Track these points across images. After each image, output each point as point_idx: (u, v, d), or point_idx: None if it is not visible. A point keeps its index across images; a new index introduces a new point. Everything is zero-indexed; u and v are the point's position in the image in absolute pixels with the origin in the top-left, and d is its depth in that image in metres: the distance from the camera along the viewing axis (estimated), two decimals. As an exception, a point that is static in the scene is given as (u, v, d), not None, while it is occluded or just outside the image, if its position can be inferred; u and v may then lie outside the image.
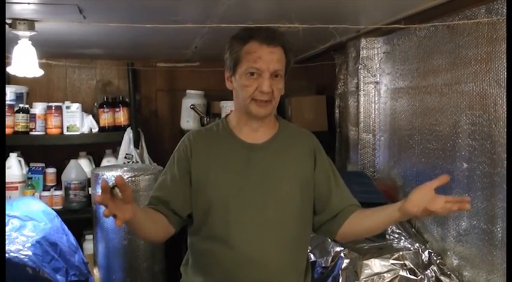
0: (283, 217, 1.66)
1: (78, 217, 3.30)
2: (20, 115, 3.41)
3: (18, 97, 3.56)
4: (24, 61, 2.39)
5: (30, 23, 2.31)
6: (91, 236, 3.18)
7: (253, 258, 1.62)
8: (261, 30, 1.61)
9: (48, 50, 3.28)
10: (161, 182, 1.74)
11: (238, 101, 1.66)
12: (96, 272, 2.97)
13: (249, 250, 1.61)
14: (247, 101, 1.61)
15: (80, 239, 3.38)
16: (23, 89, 3.61)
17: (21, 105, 3.46)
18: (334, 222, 1.74)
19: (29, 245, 2.31)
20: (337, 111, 3.44)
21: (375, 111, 2.95)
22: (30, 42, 2.41)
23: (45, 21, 2.31)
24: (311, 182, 1.73)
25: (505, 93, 1.90)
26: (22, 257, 2.22)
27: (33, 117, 3.45)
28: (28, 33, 2.35)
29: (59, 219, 2.75)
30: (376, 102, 2.94)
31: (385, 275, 2.21)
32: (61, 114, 3.48)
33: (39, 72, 2.56)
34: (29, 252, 2.26)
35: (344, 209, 1.74)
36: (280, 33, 1.64)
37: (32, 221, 2.53)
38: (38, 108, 3.48)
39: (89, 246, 3.30)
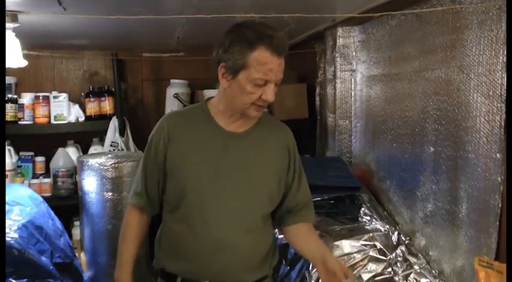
0: (254, 205, 1.72)
1: (67, 204, 3.37)
2: (9, 105, 3.48)
3: (7, 88, 3.62)
4: (9, 52, 2.46)
5: (13, 15, 2.38)
6: (79, 222, 3.26)
7: (223, 243, 1.67)
8: (271, 37, 1.54)
9: (35, 41, 3.35)
10: (141, 174, 1.80)
11: (233, 101, 1.65)
12: (82, 256, 3.06)
13: (219, 235, 1.66)
14: (247, 106, 1.62)
15: (69, 225, 3.48)
16: (11, 79, 3.68)
17: (9, 96, 3.53)
18: (282, 220, 1.86)
19: (15, 228, 2.37)
20: (317, 99, 3.51)
21: (351, 98, 3.04)
22: (13, 33, 2.48)
23: (27, 13, 2.37)
24: (283, 174, 1.78)
25: (468, 79, 1.99)
26: (8, 239, 2.29)
27: (21, 107, 3.53)
28: (11, 25, 2.41)
29: (45, 204, 2.82)
30: (353, 89, 3.03)
31: (355, 255, 2.29)
32: (48, 103, 3.56)
33: (23, 63, 2.63)
34: (15, 235, 2.32)
35: (296, 208, 1.84)
36: (287, 39, 1.61)
37: (19, 205, 2.60)
38: (26, 98, 3.57)
39: (77, 232, 3.38)
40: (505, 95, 1.80)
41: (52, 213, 2.81)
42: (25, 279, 2.23)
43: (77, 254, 2.92)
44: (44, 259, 2.39)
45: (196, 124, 1.74)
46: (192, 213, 1.69)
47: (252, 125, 1.75)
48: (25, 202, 2.67)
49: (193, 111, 1.80)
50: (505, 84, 1.79)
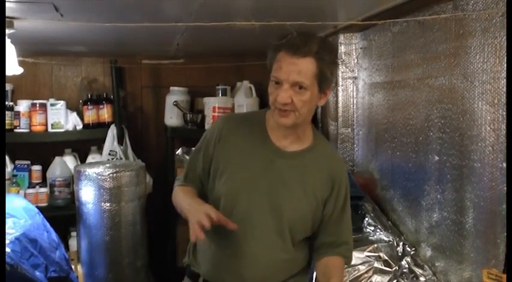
0: (283, 227, 1.69)
1: (63, 214, 3.34)
2: (5, 113, 3.44)
3: (3, 95, 3.59)
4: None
5: (8, 21, 2.34)
6: (76, 233, 3.21)
7: (244, 255, 1.66)
8: (292, 38, 1.57)
9: (32, 48, 3.31)
10: (187, 166, 1.85)
11: None
12: (79, 268, 3.00)
13: (242, 247, 1.66)
14: (272, 109, 1.63)
15: (66, 236, 3.42)
16: (7, 86, 3.64)
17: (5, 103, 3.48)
18: (318, 252, 1.81)
19: (8, 242, 2.32)
20: (319, 106, 3.48)
21: (353, 106, 3.00)
22: (9, 40, 2.44)
23: (23, 19, 2.33)
24: (320, 206, 1.74)
25: (472, 87, 1.94)
26: (0, 254, 2.25)
27: (17, 114, 3.49)
28: (7, 31, 2.37)
29: (41, 216, 2.77)
30: (355, 97, 2.99)
31: (360, 267, 2.24)
32: (45, 111, 3.53)
33: (18, 70, 2.59)
34: (8, 250, 2.27)
35: (332, 245, 1.79)
36: (313, 41, 1.58)
37: (12, 218, 2.55)
38: (23, 105, 3.53)
39: (74, 243, 3.33)
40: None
41: (48, 224, 2.76)
42: (18, 295, 2.18)
43: (73, 266, 2.86)
44: (38, 274, 2.34)
45: (250, 132, 1.74)
46: None
47: (303, 148, 1.73)
48: (19, 214, 2.62)
49: (252, 118, 1.80)
50: (505, 89, 1.76)
